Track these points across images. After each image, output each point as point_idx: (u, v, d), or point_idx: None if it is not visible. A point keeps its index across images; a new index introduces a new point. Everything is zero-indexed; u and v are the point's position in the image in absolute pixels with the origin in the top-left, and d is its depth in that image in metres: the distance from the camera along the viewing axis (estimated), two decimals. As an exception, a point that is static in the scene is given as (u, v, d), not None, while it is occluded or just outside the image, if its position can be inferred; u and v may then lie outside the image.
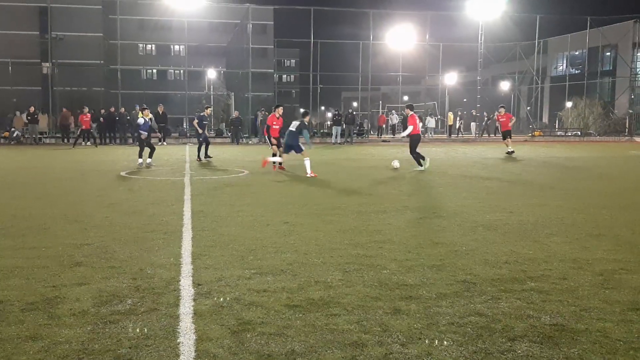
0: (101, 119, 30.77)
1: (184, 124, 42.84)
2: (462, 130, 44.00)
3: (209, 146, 19.30)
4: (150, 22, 56.59)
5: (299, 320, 3.99)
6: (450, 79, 48.81)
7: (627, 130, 44.38)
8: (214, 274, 5.12)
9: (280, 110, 16.18)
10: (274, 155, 15.66)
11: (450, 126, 42.45)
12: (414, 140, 16.11)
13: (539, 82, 50.35)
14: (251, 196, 10.39)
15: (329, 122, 48.41)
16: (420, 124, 21.02)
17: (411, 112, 16.33)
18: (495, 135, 39.76)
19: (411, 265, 5.48)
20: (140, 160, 16.79)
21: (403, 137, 17.83)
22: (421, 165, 15.80)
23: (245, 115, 36.99)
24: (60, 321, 3.94)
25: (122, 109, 32.44)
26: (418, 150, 16.11)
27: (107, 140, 31.09)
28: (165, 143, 29.83)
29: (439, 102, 49.23)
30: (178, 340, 3.63)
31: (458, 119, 43.76)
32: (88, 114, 28.65)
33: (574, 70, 54.65)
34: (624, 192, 11.34)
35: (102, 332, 3.76)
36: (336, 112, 35.91)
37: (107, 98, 42.42)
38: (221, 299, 4.41)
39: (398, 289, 4.72)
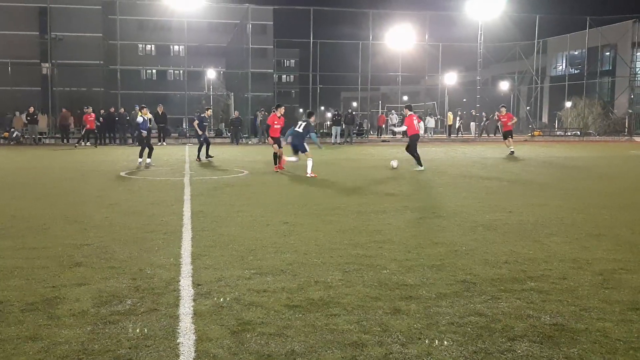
0: (101, 119, 30.75)
1: (184, 124, 42.80)
2: (461, 130, 44.01)
3: (210, 146, 19.31)
4: (149, 23, 56.66)
5: (299, 321, 3.99)
6: (450, 79, 48.76)
7: (626, 130, 44.39)
8: (213, 274, 5.12)
9: (282, 109, 16.12)
10: (275, 154, 15.58)
11: (450, 126, 42.43)
12: (413, 140, 16.19)
13: (539, 82, 50.36)
14: (251, 196, 10.40)
15: (328, 122, 48.37)
16: (421, 124, 21.03)
17: (409, 112, 16.39)
18: (495, 135, 39.76)
19: (411, 265, 5.48)
20: (140, 160, 16.79)
21: (397, 131, 17.90)
22: (421, 165, 15.81)
23: (245, 115, 36.96)
24: (60, 321, 3.94)
25: (122, 109, 32.41)
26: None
27: (107, 141, 31.06)
28: (164, 143, 29.83)
29: (438, 102, 49.20)
30: (178, 341, 3.63)
31: (457, 119, 43.75)
32: (92, 114, 28.66)
33: (573, 70, 54.62)
34: (624, 192, 11.34)
35: (102, 332, 3.76)
36: (336, 112, 35.89)
37: (106, 98, 42.38)
38: (221, 299, 4.41)
39: (398, 289, 4.72)
